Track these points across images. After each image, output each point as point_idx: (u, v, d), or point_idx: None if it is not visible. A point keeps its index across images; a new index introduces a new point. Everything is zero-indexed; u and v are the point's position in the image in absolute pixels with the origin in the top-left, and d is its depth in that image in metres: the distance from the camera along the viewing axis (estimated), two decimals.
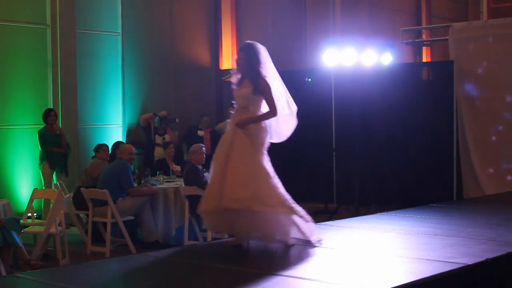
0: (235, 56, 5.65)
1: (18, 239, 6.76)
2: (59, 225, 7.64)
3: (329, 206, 11.05)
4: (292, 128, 5.79)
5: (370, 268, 4.87)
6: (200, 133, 11.65)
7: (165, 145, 10.62)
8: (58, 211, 7.57)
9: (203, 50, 12.89)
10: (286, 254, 5.36)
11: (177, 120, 11.38)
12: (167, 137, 11.10)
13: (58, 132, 10.01)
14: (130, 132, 11.60)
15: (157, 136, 11.14)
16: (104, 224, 8.48)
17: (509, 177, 10.78)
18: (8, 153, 10.13)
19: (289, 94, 5.75)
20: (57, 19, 10.50)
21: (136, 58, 11.75)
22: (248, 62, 5.53)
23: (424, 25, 16.73)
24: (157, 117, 11.21)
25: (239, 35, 13.24)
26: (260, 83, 5.47)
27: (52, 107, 10.31)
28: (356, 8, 15.22)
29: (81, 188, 8.73)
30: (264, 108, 5.54)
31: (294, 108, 5.75)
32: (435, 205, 8.13)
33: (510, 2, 16.84)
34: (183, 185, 8.67)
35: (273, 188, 5.41)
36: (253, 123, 5.47)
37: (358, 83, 11.03)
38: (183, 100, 12.35)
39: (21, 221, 7.33)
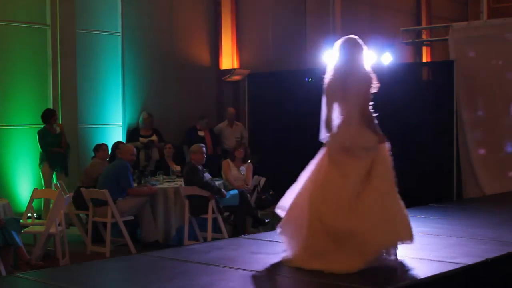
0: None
1: (18, 239, 6.76)
2: (59, 225, 7.63)
3: None
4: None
5: (370, 268, 4.86)
6: (201, 133, 11.63)
7: (147, 146, 10.61)
8: (58, 211, 7.57)
9: (203, 50, 12.88)
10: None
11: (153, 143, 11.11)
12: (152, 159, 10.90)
13: (57, 132, 9.99)
14: (130, 132, 11.58)
15: (140, 138, 11.03)
16: (104, 224, 8.48)
17: (509, 177, 10.77)
18: (8, 153, 10.12)
19: None
20: (57, 19, 10.48)
21: (136, 58, 11.74)
22: None
23: (424, 25, 16.74)
24: (141, 118, 11.14)
25: (239, 35, 13.24)
26: None
27: (52, 107, 10.30)
28: (356, 8, 15.22)
29: (81, 188, 8.72)
30: None
31: None
32: (435, 205, 8.14)
33: (510, 2, 16.84)
34: (183, 185, 8.67)
35: None
36: None
37: None
38: (183, 100, 12.34)
39: (21, 221, 7.33)
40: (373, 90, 4.97)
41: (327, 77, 5.09)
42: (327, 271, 4.58)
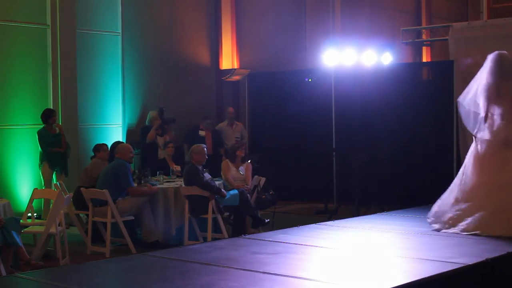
0: None
1: (18, 239, 6.75)
2: (59, 225, 7.63)
3: (329, 206, 11.05)
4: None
5: (370, 268, 4.87)
6: (202, 133, 11.62)
7: (165, 145, 10.62)
8: (58, 211, 7.56)
9: (203, 50, 12.89)
10: (287, 255, 5.36)
11: (175, 120, 11.28)
12: (167, 138, 11.04)
13: (57, 132, 9.99)
14: (130, 132, 11.59)
15: (158, 137, 11.06)
16: (104, 224, 8.47)
17: None
18: (8, 153, 10.12)
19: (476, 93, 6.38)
20: (57, 19, 10.49)
21: (136, 58, 11.74)
22: None
23: (424, 25, 16.74)
24: (149, 117, 11.19)
25: (239, 35, 13.24)
26: None
27: (52, 107, 10.30)
28: (356, 8, 15.23)
29: (81, 188, 8.71)
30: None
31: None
32: None
33: (510, 2, 16.84)
34: (183, 185, 8.67)
35: None
36: None
37: (358, 83, 11.03)
38: (183, 100, 12.35)
39: (21, 221, 7.32)
40: None
41: (484, 82, 6.28)
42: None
